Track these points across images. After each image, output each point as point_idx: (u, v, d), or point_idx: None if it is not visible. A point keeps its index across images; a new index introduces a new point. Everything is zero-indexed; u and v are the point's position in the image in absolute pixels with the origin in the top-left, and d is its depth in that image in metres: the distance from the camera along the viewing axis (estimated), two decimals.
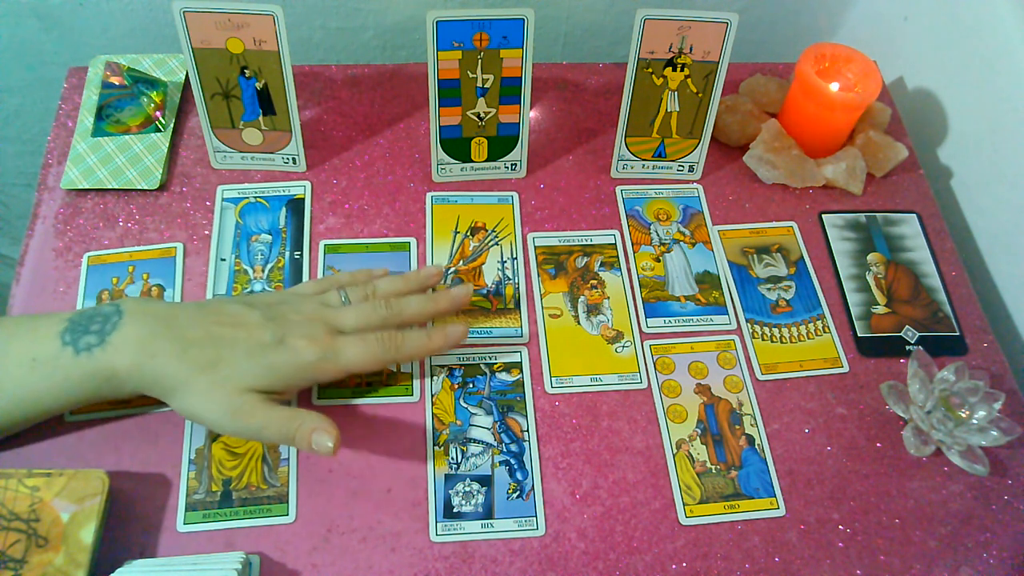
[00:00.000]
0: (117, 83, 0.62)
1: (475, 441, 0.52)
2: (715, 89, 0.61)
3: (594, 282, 0.60)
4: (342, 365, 0.47)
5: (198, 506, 0.48)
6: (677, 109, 0.62)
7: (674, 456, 0.53)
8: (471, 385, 0.54)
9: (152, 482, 0.49)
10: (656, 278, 0.60)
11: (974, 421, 0.52)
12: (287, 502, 0.49)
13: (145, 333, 0.45)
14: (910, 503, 0.52)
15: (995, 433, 0.52)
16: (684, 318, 0.58)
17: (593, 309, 0.58)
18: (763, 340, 0.58)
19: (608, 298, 0.59)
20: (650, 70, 0.60)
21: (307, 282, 0.54)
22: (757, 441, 0.54)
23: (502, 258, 0.60)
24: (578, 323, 0.58)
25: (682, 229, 0.63)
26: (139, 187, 0.59)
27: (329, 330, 0.48)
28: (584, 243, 0.61)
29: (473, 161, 0.63)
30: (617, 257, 0.61)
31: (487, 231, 0.61)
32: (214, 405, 0.45)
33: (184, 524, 0.47)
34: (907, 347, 0.59)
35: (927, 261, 0.63)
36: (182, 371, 0.44)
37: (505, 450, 0.52)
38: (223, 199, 0.60)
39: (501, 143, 0.62)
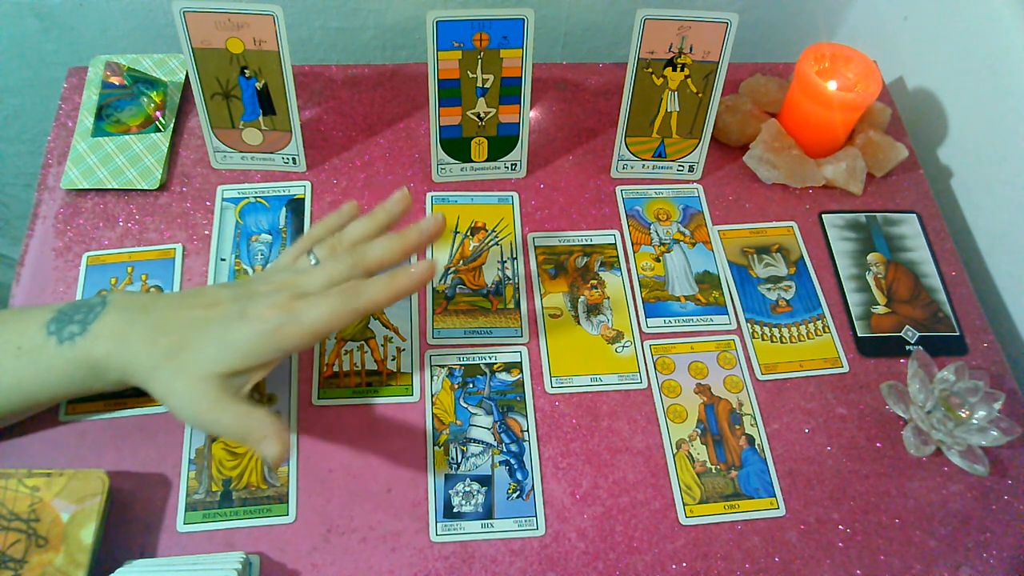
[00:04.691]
0: (117, 83, 0.62)
1: (475, 441, 0.52)
2: (715, 89, 0.61)
3: (594, 282, 0.60)
4: (307, 326, 0.44)
5: (198, 506, 0.48)
6: (677, 109, 0.62)
7: (674, 456, 0.53)
8: (471, 385, 0.54)
9: (152, 482, 0.49)
10: (656, 278, 0.60)
11: (974, 421, 0.52)
12: (287, 502, 0.49)
13: (123, 322, 0.44)
14: (910, 503, 0.52)
15: (995, 433, 0.52)
16: (684, 318, 0.58)
17: (593, 309, 0.58)
18: (763, 340, 0.58)
19: (608, 298, 0.59)
20: (650, 70, 0.60)
21: (285, 251, 0.51)
22: (757, 441, 0.54)
23: (502, 258, 0.60)
24: (578, 323, 0.58)
25: (682, 229, 0.63)
26: (139, 187, 0.59)
27: (294, 295, 0.45)
28: (584, 243, 0.61)
29: (473, 161, 0.63)
30: (617, 257, 0.61)
31: (487, 231, 0.61)
32: (176, 394, 0.44)
33: (184, 524, 0.47)
34: (907, 347, 0.59)
35: (927, 261, 0.63)
36: (151, 359, 0.43)
37: (505, 450, 0.52)
38: (223, 199, 0.60)
39: (501, 143, 0.62)
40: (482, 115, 0.60)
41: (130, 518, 0.47)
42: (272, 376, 0.53)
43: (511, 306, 0.58)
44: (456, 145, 0.62)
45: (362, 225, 0.50)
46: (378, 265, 0.48)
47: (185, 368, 0.43)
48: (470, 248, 0.60)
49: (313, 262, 0.48)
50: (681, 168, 0.65)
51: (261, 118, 0.60)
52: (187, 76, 0.65)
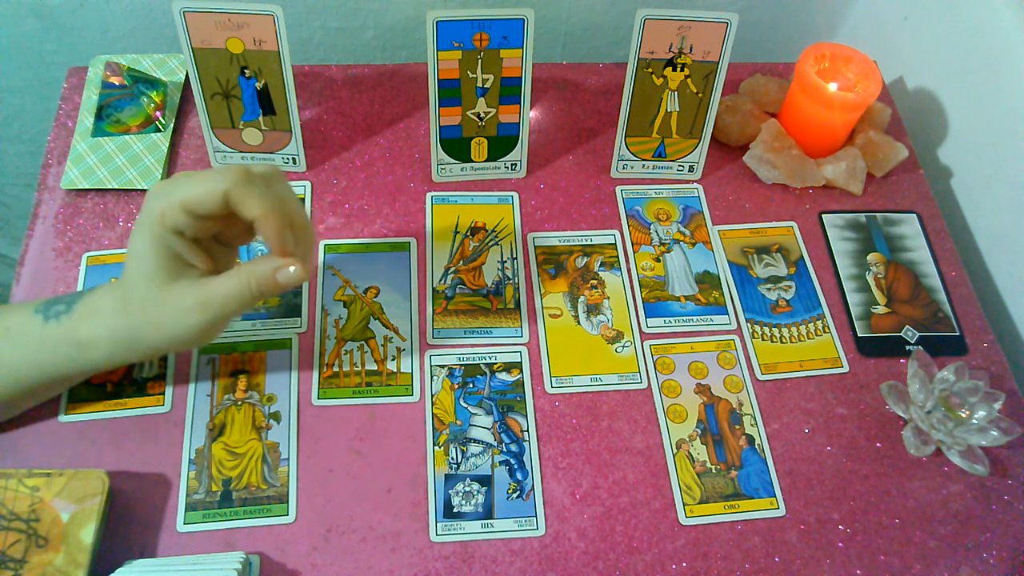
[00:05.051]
0: (117, 83, 0.62)
1: (475, 441, 0.52)
2: (715, 89, 0.61)
3: (594, 282, 0.60)
4: (176, 194, 0.40)
5: (198, 506, 0.48)
6: (677, 109, 0.62)
7: (674, 456, 0.53)
8: (471, 385, 0.54)
9: (152, 482, 0.49)
10: (656, 278, 0.60)
11: (974, 421, 0.52)
12: (287, 502, 0.49)
13: (100, 297, 0.45)
14: (910, 503, 0.52)
15: (995, 433, 0.52)
16: (684, 318, 0.58)
17: (593, 309, 0.58)
18: (763, 340, 0.58)
19: (608, 298, 0.59)
20: (650, 70, 0.60)
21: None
22: (757, 441, 0.54)
23: (502, 258, 0.60)
24: (578, 323, 0.58)
25: (682, 229, 0.63)
26: (139, 187, 0.59)
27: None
28: (584, 243, 0.61)
29: (473, 161, 0.63)
30: (617, 257, 0.61)
31: (487, 231, 0.61)
32: (164, 324, 0.43)
33: (184, 524, 0.47)
34: (907, 347, 0.59)
35: (927, 261, 0.63)
36: (120, 319, 0.43)
37: (505, 450, 0.52)
38: None
39: (501, 143, 0.62)
40: (482, 115, 0.60)
41: (130, 518, 0.47)
42: (272, 376, 0.53)
43: (511, 306, 0.58)
44: (456, 145, 0.62)
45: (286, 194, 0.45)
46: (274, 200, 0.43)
47: (145, 299, 0.42)
48: (470, 248, 0.60)
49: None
50: (681, 168, 0.65)
51: (261, 118, 0.60)
52: (187, 76, 0.65)
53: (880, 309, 0.60)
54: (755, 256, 0.62)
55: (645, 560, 0.49)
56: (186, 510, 0.48)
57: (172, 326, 0.43)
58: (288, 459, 0.50)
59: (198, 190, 0.41)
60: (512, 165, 0.64)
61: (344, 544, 0.48)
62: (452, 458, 0.51)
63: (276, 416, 0.52)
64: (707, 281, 0.60)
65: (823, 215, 0.65)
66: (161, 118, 0.62)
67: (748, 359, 0.57)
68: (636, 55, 0.59)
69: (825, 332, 0.59)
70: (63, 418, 0.50)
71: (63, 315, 0.44)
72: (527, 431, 0.53)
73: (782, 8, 0.83)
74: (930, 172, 0.71)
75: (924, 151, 0.73)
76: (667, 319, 0.58)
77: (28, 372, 0.45)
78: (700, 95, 0.61)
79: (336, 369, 0.54)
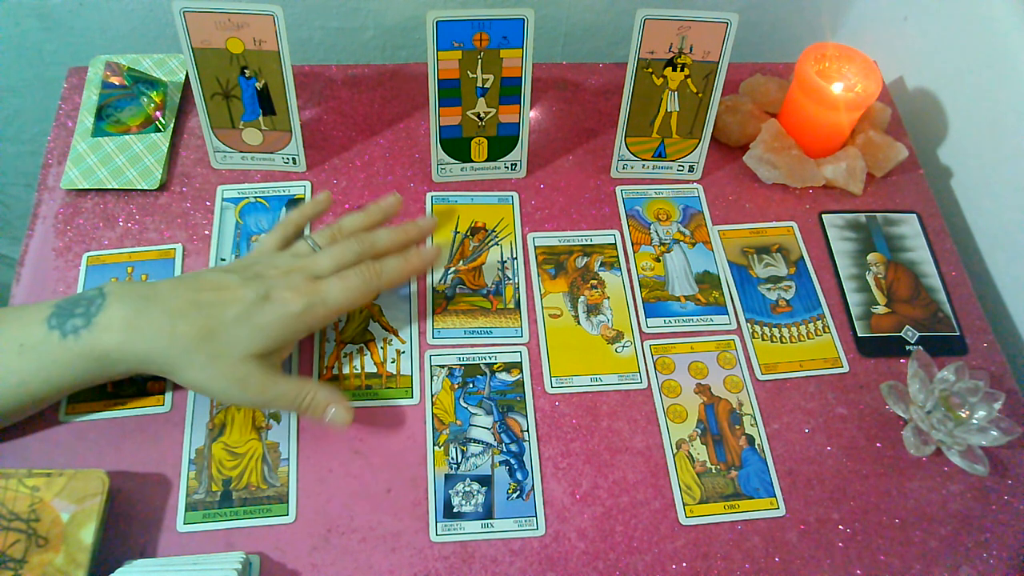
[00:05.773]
0: (117, 83, 0.62)
1: (475, 441, 0.52)
2: (715, 89, 0.61)
3: (594, 282, 0.60)
4: (331, 306, 0.48)
5: (198, 506, 0.48)
6: (677, 109, 0.62)
7: (674, 456, 0.53)
8: (471, 385, 0.54)
9: (152, 482, 0.49)
10: (656, 278, 0.60)
11: (974, 421, 0.52)
12: (287, 502, 0.49)
13: (130, 311, 0.44)
14: (910, 503, 0.52)
15: (995, 433, 0.52)
16: (684, 318, 0.58)
17: (593, 309, 0.58)
18: (763, 340, 0.58)
19: (608, 298, 0.59)
20: (650, 70, 0.60)
21: (265, 236, 0.55)
22: (757, 441, 0.54)
23: (502, 258, 0.60)
24: (578, 323, 0.58)
25: (682, 229, 0.63)
26: (139, 187, 0.59)
27: (308, 277, 0.49)
28: (584, 243, 0.61)
29: (473, 161, 0.63)
30: (617, 257, 0.61)
31: (487, 231, 0.61)
32: (217, 379, 0.45)
33: (184, 524, 0.47)
34: (907, 347, 0.59)
35: (927, 261, 0.63)
36: (175, 348, 0.44)
37: (505, 450, 0.52)
38: (223, 199, 0.60)
39: (501, 143, 0.62)
40: (482, 115, 0.60)
41: (130, 518, 0.47)
42: None
43: (511, 306, 0.58)
44: (456, 145, 0.62)
45: (358, 218, 0.55)
46: (384, 252, 0.53)
47: (222, 353, 0.45)
48: (470, 248, 0.60)
49: (313, 247, 0.52)
50: (681, 168, 0.65)
51: (261, 118, 0.60)
52: (187, 76, 0.65)
53: (880, 309, 0.60)
54: (755, 256, 0.62)
55: (645, 560, 0.49)
56: (186, 510, 0.48)
57: (218, 387, 0.46)
58: (288, 459, 0.50)
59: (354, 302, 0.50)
60: (512, 165, 0.64)
61: (344, 544, 0.48)
62: (452, 458, 0.51)
63: (276, 416, 0.52)
64: (707, 281, 0.60)
65: (823, 215, 0.65)
66: (161, 118, 0.62)
67: (748, 359, 0.57)
68: (636, 55, 0.59)
69: (825, 332, 0.59)
70: (63, 418, 0.50)
71: (82, 330, 0.44)
72: (527, 431, 0.53)
73: (782, 8, 0.83)
74: (930, 172, 0.71)
75: (924, 151, 0.73)
76: (667, 319, 0.58)
77: (43, 386, 0.45)
78: (700, 95, 0.61)
79: (336, 372, 0.54)
